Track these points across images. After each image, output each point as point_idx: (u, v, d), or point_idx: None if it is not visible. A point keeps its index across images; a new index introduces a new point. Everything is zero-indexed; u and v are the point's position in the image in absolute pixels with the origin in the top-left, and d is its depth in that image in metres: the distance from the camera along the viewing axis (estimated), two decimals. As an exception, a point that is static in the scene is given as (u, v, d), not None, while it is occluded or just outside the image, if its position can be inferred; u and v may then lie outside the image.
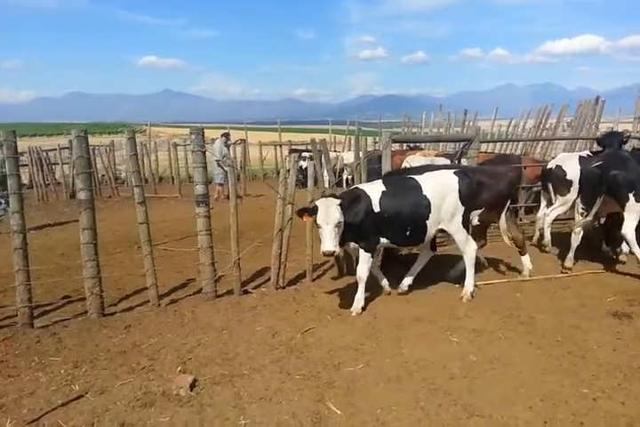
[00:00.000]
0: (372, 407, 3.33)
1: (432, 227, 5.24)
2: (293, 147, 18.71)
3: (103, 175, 17.89)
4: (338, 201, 4.70)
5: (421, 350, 4.19)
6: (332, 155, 13.70)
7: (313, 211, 4.76)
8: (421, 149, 11.76)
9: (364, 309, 5.11)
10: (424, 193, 5.16)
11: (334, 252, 4.67)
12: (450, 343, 4.33)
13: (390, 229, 5.13)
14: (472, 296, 5.37)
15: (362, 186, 5.29)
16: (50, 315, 5.32)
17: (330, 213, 4.64)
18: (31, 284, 4.95)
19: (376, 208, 5.01)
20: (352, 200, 4.88)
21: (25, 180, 16.57)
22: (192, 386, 3.64)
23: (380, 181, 5.31)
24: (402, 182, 5.30)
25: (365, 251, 5.08)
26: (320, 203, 4.72)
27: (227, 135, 14.13)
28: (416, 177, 5.30)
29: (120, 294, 6.00)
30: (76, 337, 4.62)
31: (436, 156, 9.24)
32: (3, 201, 10.95)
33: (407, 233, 5.16)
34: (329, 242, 4.61)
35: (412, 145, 12.58)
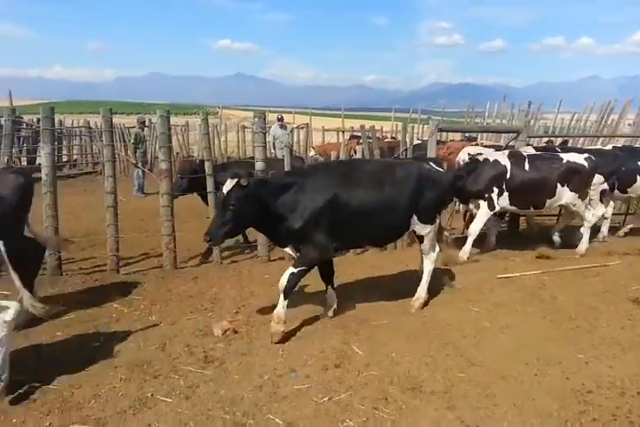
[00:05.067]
0: (389, 352, 3.97)
1: None
2: (354, 133, 19.21)
3: (178, 153, 19.23)
4: None
5: (442, 314, 4.76)
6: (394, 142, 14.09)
7: None
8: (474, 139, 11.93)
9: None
10: None
11: None
12: (469, 311, 4.85)
13: None
14: None
15: None
16: (131, 266, 6.31)
17: None
18: (118, 237, 5.95)
19: None
20: None
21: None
22: (225, 331, 4.31)
23: None
24: None
25: None
26: None
27: (280, 119, 14.82)
28: None
29: (190, 254, 6.90)
30: (153, 283, 5.58)
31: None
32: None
33: None
34: None
35: (469, 136, 12.75)
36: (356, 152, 8.36)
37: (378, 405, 3.24)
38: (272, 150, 14.52)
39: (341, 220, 4.26)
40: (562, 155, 6.78)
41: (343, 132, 21.01)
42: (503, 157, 6.66)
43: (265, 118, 6.60)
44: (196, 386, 3.45)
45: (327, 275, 4.76)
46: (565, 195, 6.64)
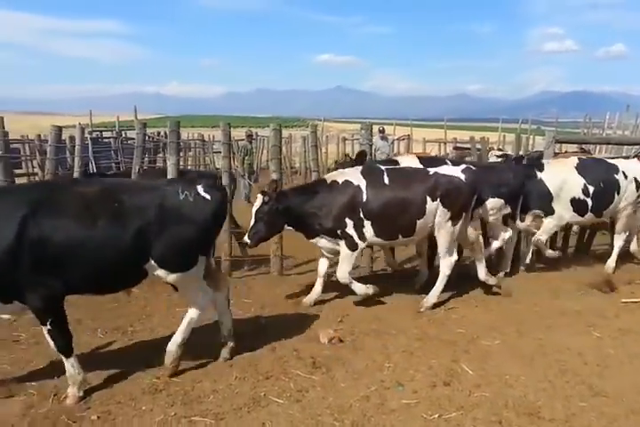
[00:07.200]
0: (501, 373, 3.79)
1: None
2: (458, 144, 18.74)
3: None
4: None
5: (560, 337, 4.46)
6: (498, 153, 13.54)
7: None
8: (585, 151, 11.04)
9: None
10: None
11: None
12: (590, 336, 4.50)
13: None
14: None
15: None
16: (242, 270, 6.62)
17: None
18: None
19: None
20: None
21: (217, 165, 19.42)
22: (331, 339, 4.37)
23: None
24: None
25: None
26: None
27: (382, 130, 14.93)
28: None
29: (293, 262, 7.11)
30: (261, 287, 5.85)
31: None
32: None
33: None
34: None
35: (584, 147, 11.85)
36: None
37: (491, 427, 3.11)
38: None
39: (38, 261, 3.24)
40: (431, 168, 5.33)
41: (445, 143, 20.56)
42: (356, 175, 5.18)
43: (371, 130, 6.67)
44: (306, 390, 3.54)
45: None
46: (436, 216, 5.14)
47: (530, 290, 5.78)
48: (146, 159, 16.78)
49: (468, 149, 10.68)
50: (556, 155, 9.18)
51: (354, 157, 6.43)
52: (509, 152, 8.81)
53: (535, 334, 4.52)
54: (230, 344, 4.08)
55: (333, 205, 5.08)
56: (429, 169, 5.28)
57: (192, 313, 3.85)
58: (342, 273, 5.17)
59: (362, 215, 5.06)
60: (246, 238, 5.15)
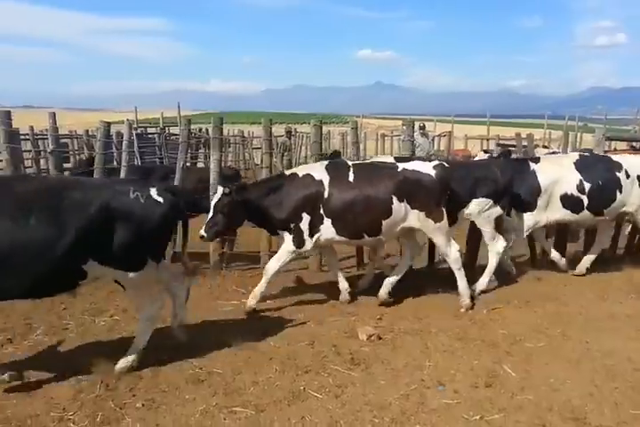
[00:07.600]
0: (546, 377, 3.68)
1: None
2: (501, 141, 18.30)
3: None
4: None
5: (608, 341, 4.29)
6: (544, 151, 13.14)
7: None
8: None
9: None
10: None
11: None
12: (641, 342, 4.32)
13: None
14: None
15: None
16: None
17: None
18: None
19: None
20: None
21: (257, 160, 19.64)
22: (370, 336, 4.35)
23: None
24: None
25: None
26: None
27: (422, 127, 14.70)
28: None
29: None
30: (300, 283, 5.89)
31: None
32: None
33: None
34: None
35: (635, 145, 11.35)
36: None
37: (535, 431, 3.03)
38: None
39: None
40: (399, 163, 5.13)
41: (487, 140, 20.12)
42: (319, 171, 5.01)
43: (413, 127, 6.60)
44: (345, 386, 3.54)
45: None
46: (409, 215, 4.93)
47: (576, 292, 5.60)
48: (188, 155, 17.25)
49: (513, 146, 10.41)
50: (605, 153, 8.85)
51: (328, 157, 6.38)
52: (556, 149, 8.61)
53: (582, 337, 4.37)
54: (179, 330, 4.08)
55: (291, 197, 4.92)
56: (398, 165, 5.07)
57: (141, 324, 3.81)
58: (272, 267, 5.01)
59: (322, 212, 4.87)
60: (202, 232, 4.90)
